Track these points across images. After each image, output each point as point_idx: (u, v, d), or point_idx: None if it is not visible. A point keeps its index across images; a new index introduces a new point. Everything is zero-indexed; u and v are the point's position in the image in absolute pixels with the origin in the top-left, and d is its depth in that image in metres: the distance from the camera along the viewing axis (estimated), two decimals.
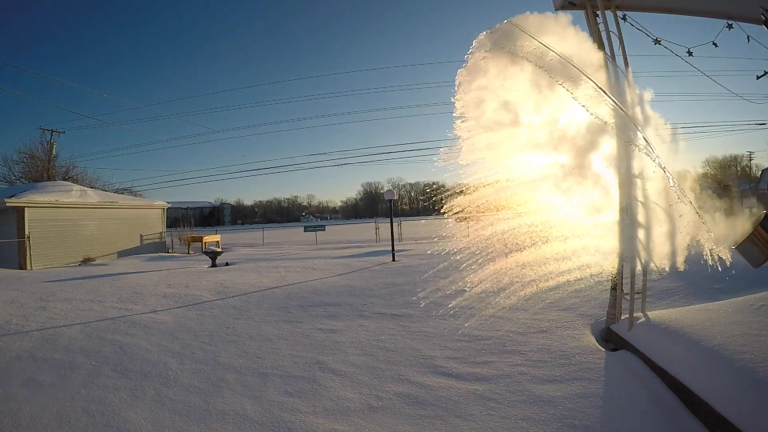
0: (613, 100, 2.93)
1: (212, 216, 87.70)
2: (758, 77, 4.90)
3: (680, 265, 3.46)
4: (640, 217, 3.89)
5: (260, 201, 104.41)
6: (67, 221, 15.69)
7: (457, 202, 3.76)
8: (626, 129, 3.70)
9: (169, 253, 19.37)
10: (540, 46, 3.09)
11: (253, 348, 4.80)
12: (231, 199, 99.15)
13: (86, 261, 15.42)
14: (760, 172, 36.41)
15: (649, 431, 2.84)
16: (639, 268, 4.23)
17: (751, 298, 3.92)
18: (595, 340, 4.51)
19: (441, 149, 3.54)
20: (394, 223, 13.73)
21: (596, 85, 2.95)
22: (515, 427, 2.92)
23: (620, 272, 4.44)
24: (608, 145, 3.51)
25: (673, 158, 3.32)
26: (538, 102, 3.26)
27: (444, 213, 3.82)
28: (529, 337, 4.67)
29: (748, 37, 4.13)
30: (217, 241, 19.18)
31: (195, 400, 3.51)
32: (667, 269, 3.66)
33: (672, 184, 2.85)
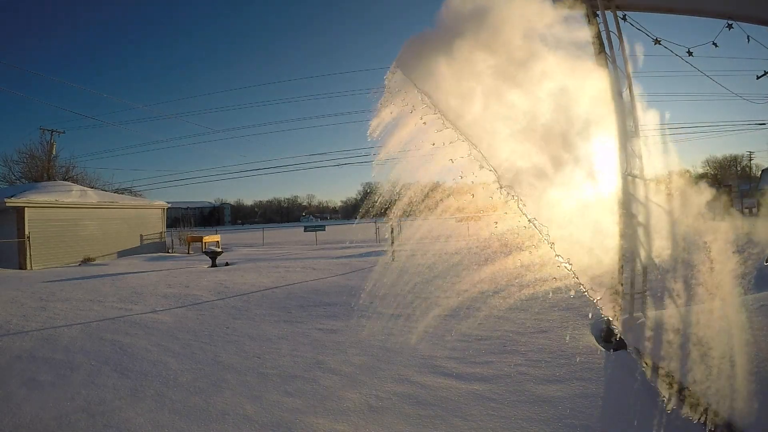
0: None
1: (212, 216, 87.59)
2: (758, 77, 4.90)
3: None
4: (640, 217, 3.90)
5: (260, 201, 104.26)
6: (67, 221, 15.69)
7: (454, 202, 3.74)
8: (624, 129, 3.70)
9: (169, 253, 19.36)
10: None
11: (253, 348, 4.80)
12: (231, 199, 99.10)
13: (86, 261, 15.42)
14: (760, 172, 36.42)
15: (648, 431, 2.84)
16: (639, 268, 4.23)
17: (751, 298, 3.92)
18: (595, 340, 4.51)
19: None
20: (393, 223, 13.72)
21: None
22: (515, 427, 2.92)
23: (620, 272, 4.43)
24: (588, 140, 3.44)
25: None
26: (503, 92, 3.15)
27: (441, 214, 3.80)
28: (529, 337, 4.67)
29: (748, 37, 4.13)
30: (217, 241, 19.17)
31: (195, 400, 3.51)
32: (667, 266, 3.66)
33: (515, 198, 2.84)
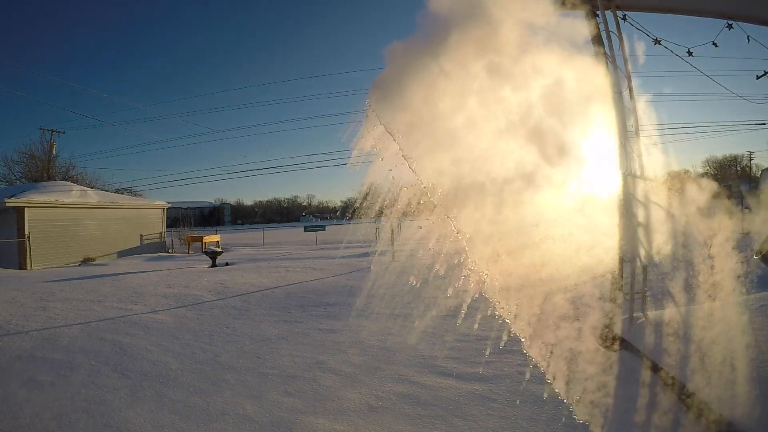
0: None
1: (212, 216, 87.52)
2: (758, 77, 4.91)
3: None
4: (640, 217, 3.89)
5: (260, 201, 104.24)
6: (67, 221, 15.69)
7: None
8: (624, 128, 3.70)
9: (169, 253, 19.37)
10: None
11: (253, 348, 4.79)
12: (231, 199, 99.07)
13: (86, 261, 15.43)
14: (760, 172, 36.42)
15: (648, 431, 2.84)
16: (639, 268, 4.23)
17: (751, 298, 3.92)
18: (595, 341, 4.51)
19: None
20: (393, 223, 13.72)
21: None
22: (515, 427, 2.92)
23: (620, 272, 4.43)
24: (580, 137, 3.41)
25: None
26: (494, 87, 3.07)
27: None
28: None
29: (748, 37, 4.13)
30: (217, 241, 19.17)
31: (195, 400, 3.51)
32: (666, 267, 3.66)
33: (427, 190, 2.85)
